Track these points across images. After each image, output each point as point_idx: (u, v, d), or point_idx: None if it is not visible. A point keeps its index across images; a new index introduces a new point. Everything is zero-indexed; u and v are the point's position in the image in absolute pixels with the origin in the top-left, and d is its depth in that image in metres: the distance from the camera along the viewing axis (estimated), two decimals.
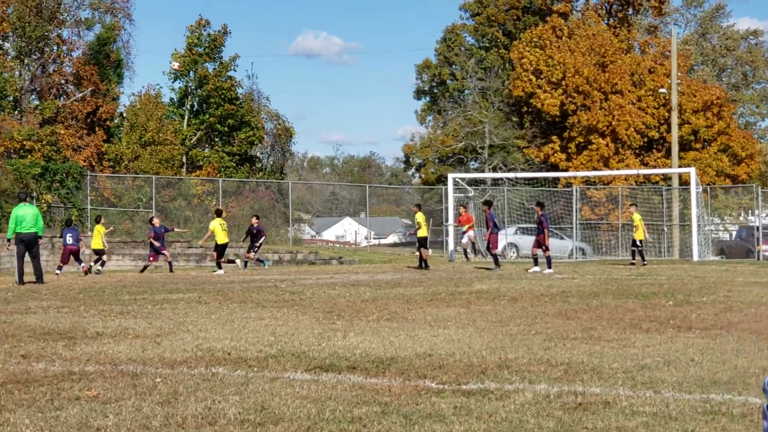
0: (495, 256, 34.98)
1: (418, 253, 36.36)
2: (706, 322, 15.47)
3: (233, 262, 38.18)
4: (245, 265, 38.37)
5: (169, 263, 36.49)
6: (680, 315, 16.59)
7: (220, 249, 35.73)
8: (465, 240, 40.48)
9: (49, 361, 11.65)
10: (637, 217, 38.23)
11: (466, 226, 38.60)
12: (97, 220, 36.59)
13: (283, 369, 10.99)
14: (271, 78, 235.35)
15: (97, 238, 35.94)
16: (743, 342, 13.06)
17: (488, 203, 36.19)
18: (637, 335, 13.84)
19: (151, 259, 36.19)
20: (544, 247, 32.51)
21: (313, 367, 11.12)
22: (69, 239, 34.33)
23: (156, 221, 37.00)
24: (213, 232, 35.62)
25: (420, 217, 36.30)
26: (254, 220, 38.42)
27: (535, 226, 33.60)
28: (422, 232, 35.96)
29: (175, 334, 14.30)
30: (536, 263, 32.78)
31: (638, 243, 37.71)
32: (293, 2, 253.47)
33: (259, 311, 17.87)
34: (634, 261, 37.39)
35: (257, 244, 38.22)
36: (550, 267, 32.02)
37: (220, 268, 35.51)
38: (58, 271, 34.56)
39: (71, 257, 34.76)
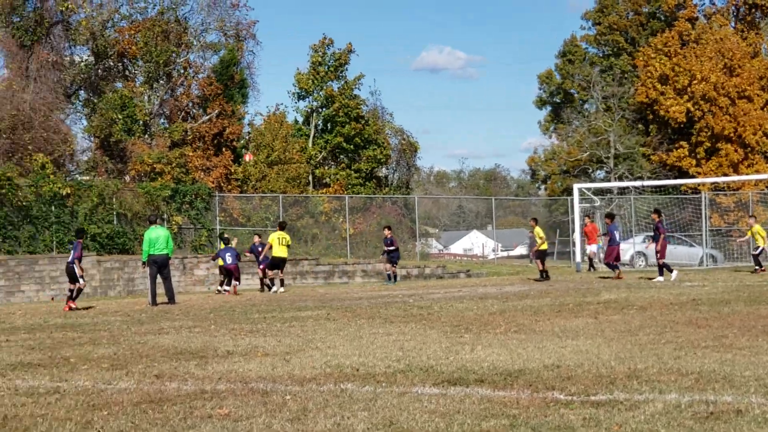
0: (611, 266, 34.52)
1: (539, 266, 35.97)
2: None
3: (270, 286, 35.51)
4: (394, 279, 38.35)
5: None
6: None
7: (274, 263, 34.72)
8: (592, 250, 40.16)
9: (182, 380, 11.88)
10: (756, 227, 37.57)
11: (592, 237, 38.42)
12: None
13: (411, 384, 11.03)
14: (395, 93, 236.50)
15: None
16: None
17: (610, 216, 35.84)
18: None
19: (261, 268, 35.71)
20: (657, 254, 32.19)
21: (441, 381, 11.14)
22: (228, 258, 34.24)
23: (256, 239, 37.11)
24: (270, 245, 34.67)
25: (539, 231, 36.11)
26: (387, 232, 38.30)
27: (658, 232, 33.10)
28: (543, 246, 35.76)
29: (304, 351, 14.44)
30: (661, 273, 32.35)
31: (760, 249, 37.07)
32: (416, 18, 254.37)
33: (387, 327, 17.93)
34: (760, 267, 36.64)
35: (393, 255, 38.21)
36: (661, 275, 31.65)
37: (271, 285, 34.99)
38: (220, 288, 35.01)
39: (229, 275, 34.66)
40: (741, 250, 51.30)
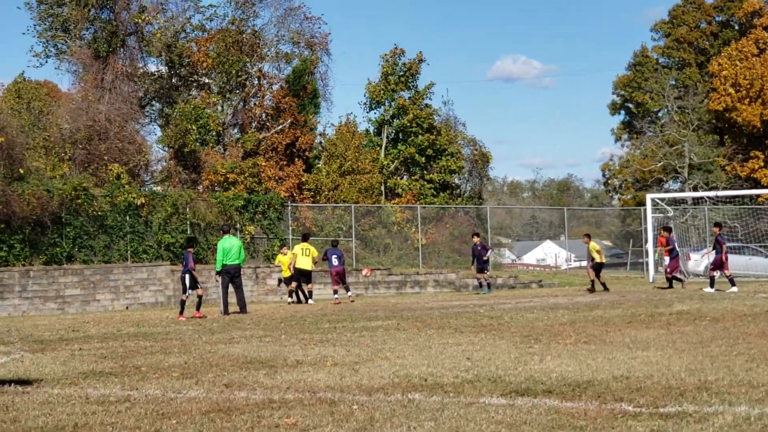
0: (672, 279, 34.12)
1: (594, 278, 35.53)
2: None
3: (294, 296, 34.99)
4: (488, 288, 38.16)
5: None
6: None
7: (298, 274, 34.12)
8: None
9: (251, 389, 11.95)
10: (591, 244, 36.31)
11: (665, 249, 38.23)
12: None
13: (479, 394, 11.01)
14: (469, 104, 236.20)
15: (285, 265, 36.17)
16: None
17: (668, 229, 35.51)
18: None
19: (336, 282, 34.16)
20: (711, 266, 32.06)
21: (509, 391, 11.11)
22: (335, 261, 33.78)
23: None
24: (295, 257, 34.22)
25: (594, 245, 35.83)
26: (476, 239, 37.98)
27: (719, 245, 32.75)
28: (598, 259, 35.39)
29: (372, 361, 14.46)
30: (712, 284, 32.08)
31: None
32: (491, 27, 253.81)
33: (456, 337, 17.90)
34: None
35: (485, 261, 37.91)
36: (712, 286, 31.54)
37: (297, 298, 34.44)
38: (336, 296, 33.90)
39: (338, 280, 34.04)
40: None
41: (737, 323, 18.70)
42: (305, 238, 35.43)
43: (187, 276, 27.53)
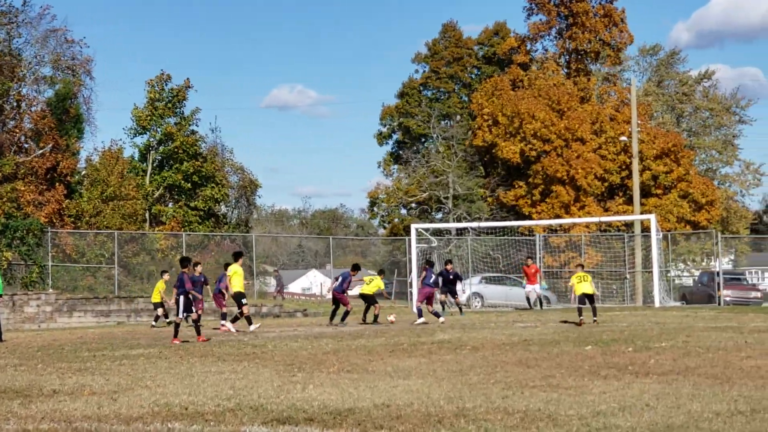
0: (420, 310, 34.31)
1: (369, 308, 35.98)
2: (664, 368, 15.55)
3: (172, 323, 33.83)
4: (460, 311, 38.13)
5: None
6: (639, 361, 16.66)
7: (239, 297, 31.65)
8: (535, 290, 41.14)
9: (4, 419, 11.56)
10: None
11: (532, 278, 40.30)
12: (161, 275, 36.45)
13: (240, 422, 10.96)
14: (244, 132, 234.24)
15: (156, 292, 36.04)
16: (699, 387, 13.16)
17: (430, 263, 36.27)
18: (595, 382, 13.90)
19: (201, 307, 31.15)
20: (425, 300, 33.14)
21: (271, 419, 11.10)
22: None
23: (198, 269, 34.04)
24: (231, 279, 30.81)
25: (368, 278, 36.52)
26: (448, 266, 38.07)
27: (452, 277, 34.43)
28: (367, 290, 35.90)
29: (132, 390, 14.23)
30: (420, 315, 33.10)
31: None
32: (267, 57, 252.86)
33: (219, 365, 17.78)
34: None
35: (455, 288, 38.09)
36: (421, 317, 32.61)
37: (249, 322, 32.41)
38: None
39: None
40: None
41: (496, 352, 19.15)
42: (237, 256, 31.47)
43: (181, 298, 25.67)
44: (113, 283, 44.55)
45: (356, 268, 35.54)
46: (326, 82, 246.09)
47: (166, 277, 37.02)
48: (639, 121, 57.07)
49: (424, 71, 78.89)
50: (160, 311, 36.05)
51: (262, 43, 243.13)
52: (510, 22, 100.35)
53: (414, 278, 45.07)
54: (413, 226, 47.35)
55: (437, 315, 33.15)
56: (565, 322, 31.37)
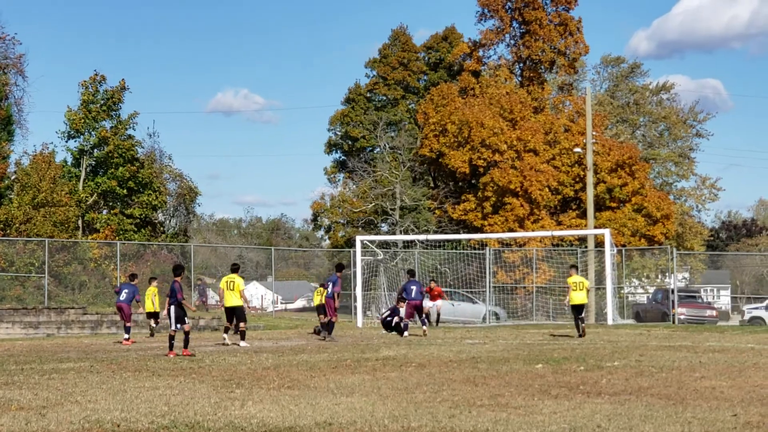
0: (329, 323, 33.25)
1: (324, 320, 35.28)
2: (616, 387, 15.28)
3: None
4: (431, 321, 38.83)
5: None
6: (591, 380, 16.37)
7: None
8: (436, 304, 41.01)
9: None
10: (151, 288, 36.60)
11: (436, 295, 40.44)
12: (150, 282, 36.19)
13: None
14: (185, 137, 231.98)
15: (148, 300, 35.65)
16: (652, 408, 12.96)
17: (411, 273, 36.22)
18: (545, 401, 13.63)
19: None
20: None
21: None
22: (414, 293, 34.12)
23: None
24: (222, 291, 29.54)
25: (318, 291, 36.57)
26: (432, 284, 39.77)
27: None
28: (316, 301, 35.98)
29: (62, 405, 13.76)
30: (407, 328, 33.17)
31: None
32: (212, 59, 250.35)
33: (153, 380, 17.31)
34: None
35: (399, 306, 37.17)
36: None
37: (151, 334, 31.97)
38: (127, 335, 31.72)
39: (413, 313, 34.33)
40: (525, 308, 52.14)
41: (443, 369, 18.81)
42: (178, 271, 28.11)
43: (173, 308, 24.60)
44: (43, 294, 43.78)
45: (340, 268, 34.54)
46: (273, 87, 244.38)
47: (155, 284, 36.57)
48: (594, 132, 56.76)
49: (373, 77, 77.92)
50: (152, 322, 36.02)
51: (206, 44, 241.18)
52: (462, 27, 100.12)
53: (359, 291, 44.49)
54: (358, 238, 46.64)
55: (405, 328, 33.08)
56: (554, 335, 31.53)
